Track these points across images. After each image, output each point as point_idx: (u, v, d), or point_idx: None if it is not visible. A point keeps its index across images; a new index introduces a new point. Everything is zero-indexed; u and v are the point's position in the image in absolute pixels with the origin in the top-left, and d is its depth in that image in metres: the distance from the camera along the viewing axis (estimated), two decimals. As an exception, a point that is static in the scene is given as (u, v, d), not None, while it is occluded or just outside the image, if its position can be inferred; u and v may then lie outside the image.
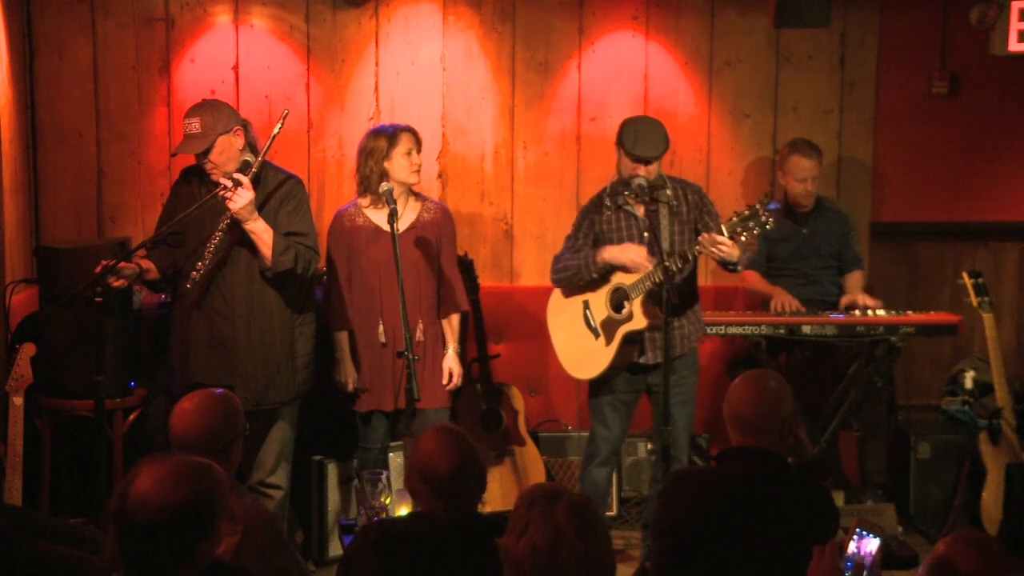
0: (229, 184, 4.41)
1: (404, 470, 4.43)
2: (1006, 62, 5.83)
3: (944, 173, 6.12)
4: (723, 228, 4.44)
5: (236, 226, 4.46)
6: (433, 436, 3.12)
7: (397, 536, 3.03)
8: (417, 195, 4.90)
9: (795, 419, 3.59)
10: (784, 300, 5.34)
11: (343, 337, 4.83)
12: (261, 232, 4.47)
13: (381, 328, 4.79)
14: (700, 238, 4.51)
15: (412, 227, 4.82)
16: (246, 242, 4.50)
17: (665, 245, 4.61)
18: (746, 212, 4.41)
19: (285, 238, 4.51)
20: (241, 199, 4.39)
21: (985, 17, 5.65)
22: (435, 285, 4.88)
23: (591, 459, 4.88)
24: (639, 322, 4.66)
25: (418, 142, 4.83)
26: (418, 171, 4.83)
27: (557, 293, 4.94)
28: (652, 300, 4.61)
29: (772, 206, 4.41)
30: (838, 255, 5.60)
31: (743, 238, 4.43)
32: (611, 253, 4.70)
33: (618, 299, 4.73)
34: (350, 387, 4.82)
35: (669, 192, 4.73)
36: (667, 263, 4.41)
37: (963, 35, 5.90)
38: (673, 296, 4.35)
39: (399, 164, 4.75)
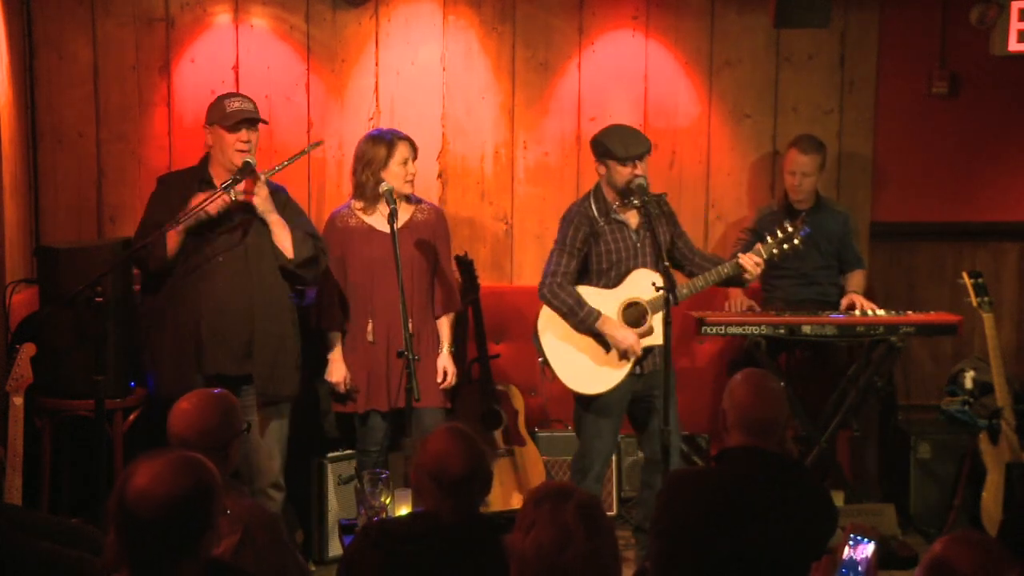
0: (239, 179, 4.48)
1: (410, 469, 4.43)
2: (1006, 62, 5.84)
3: (944, 173, 6.12)
4: (761, 251, 4.75)
5: (251, 225, 4.50)
6: (444, 436, 3.09)
7: (398, 536, 3.03)
8: (409, 197, 4.90)
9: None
10: (738, 300, 5.49)
11: (337, 337, 4.84)
12: (281, 223, 4.52)
13: (370, 327, 4.79)
14: (749, 255, 4.74)
15: (406, 227, 4.82)
16: (256, 244, 4.53)
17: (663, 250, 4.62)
18: (780, 235, 4.77)
19: (296, 228, 4.58)
20: (262, 192, 4.48)
21: (985, 17, 5.65)
22: (428, 284, 4.88)
23: (585, 474, 4.76)
24: (659, 337, 4.60)
25: (414, 150, 4.83)
26: (412, 181, 4.84)
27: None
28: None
29: (804, 231, 4.79)
30: (838, 254, 5.60)
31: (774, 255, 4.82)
32: (610, 332, 4.66)
33: (635, 314, 4.70)
34: (342, 387, 4.82)
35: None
36: (666, 263, 4.43)
37: (963, 35, 5.90)
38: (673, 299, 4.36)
39: (394, 173, 4.77)
